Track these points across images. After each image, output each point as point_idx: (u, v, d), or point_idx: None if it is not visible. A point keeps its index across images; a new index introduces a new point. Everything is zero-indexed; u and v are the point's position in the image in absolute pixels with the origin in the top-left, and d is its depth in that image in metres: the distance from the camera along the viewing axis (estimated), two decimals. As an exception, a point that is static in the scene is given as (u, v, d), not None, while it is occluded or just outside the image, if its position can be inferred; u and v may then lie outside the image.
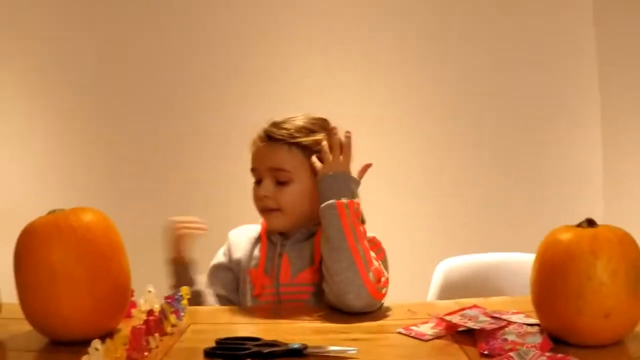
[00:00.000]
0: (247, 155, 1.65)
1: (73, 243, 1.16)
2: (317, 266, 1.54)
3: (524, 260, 1.82)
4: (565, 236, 1.11)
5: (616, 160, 2.92)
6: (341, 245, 1.42)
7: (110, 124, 3.09)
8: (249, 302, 1.62)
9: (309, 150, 1.58)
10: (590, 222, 1.13)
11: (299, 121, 1.62)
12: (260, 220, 1.70)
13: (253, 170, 1.63)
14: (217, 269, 1.71)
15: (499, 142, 2.98)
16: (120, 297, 1.25)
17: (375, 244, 1.54)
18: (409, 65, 2.96)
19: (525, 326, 1.15)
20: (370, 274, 1.41)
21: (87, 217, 1.22)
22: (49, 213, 1.22)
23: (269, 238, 1.66)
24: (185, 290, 1.40)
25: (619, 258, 1.06)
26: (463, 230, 2.89)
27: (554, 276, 1.09)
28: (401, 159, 2.92)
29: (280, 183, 1.57)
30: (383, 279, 1.44)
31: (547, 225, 1.20)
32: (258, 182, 1.61)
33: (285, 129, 1.59)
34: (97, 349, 0.99)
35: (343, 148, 1.53)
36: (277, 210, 1.58)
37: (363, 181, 1.56)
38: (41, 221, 1.19)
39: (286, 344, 1.11)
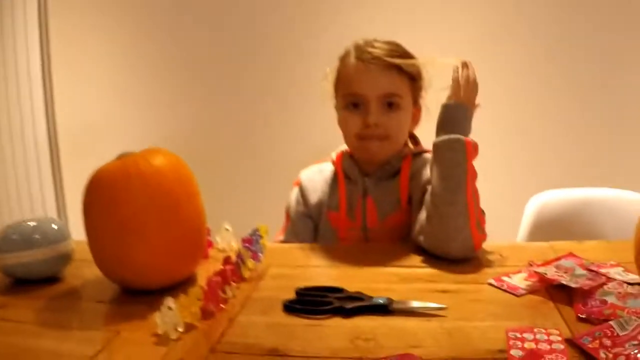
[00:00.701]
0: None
1: (143, 190, 1.10)
2: (406, 207, 1.46)
3: (623, 198, 1.71)
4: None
5: None
6: (459, 188, 1.29)
7: (188, 49, 3.06)
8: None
9: (412, 79, 1.49)
10: None
11: (394, 45, 1.50)
12: (333, 155, 1.62)
13: (351, 95, 1.49)
14: (296, 218, 1.62)
15: (601, 69, 2.77)
16: (194, 243, 1.19)
17: None
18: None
19: (625, 285, 1.05)
20: (478, 224, 1.31)
21: (157, 161, 1.15)
22: (118, 157, 1.16)
23: (347, 177, 1.57)
24: (263, 228, 1.34)
25: None
26: (557, 162, 2.74)
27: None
28: (492, 88, 2.69)
29: (390, 109, 1.47)
30: (485, 229, 1.34)
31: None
32: (354, 107, 1.49)
33: (390, 50, 1.48)
34: (170, 308, 0.94)
35: (472, 83, 1.40)
36: (385, 138, 1.48)
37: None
38: (109, 167, 1.13)
39: (370, 298, 1.05)
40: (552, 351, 0.84)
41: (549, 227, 1.75)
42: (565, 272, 1.10)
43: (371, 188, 1.52)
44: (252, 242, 1.27)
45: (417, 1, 2.78)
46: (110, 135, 3.09)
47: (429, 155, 1.43)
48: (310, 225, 1.60)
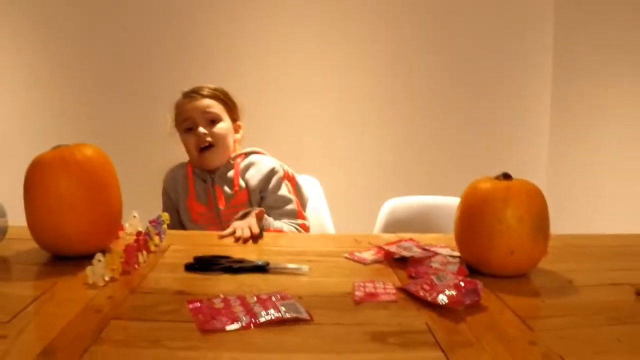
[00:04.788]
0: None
1: (77, 173, 1.38)
2: (242, 191, 1.99)
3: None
4: (484, 185, 1.35)
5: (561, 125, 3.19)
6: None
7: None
8: (187, 229, 2.02)
9: (225, 103, 2.07)
10: (506, 176, 1.37)
11: (214, 87, 2.10)
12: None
13: (185, 120, 2.04)
14: (167, 209, 2.09)
15: (454, 96, 3.15)
16: (113, 220, 1.48)
17: (290, 180, 2.09)
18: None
19: (448, 257, 1.40)
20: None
21: (88, 152, 1.43)
22: (54, 148, 1.44)
23: (195, 174, 2.05)
24: (165, 216, 1.63)
25: (526, 207, 1.30)
26: (410, 173, 3.03)
27: (472, 218, 1.35)
28: (353, 102, 2.90)
29: (213, 124, 2.01)
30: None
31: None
32: (189, 130, 2.03)
33: (206, 87, 2.08)
34: (99, 261, 1.23)
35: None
36: (213, 146, 2.00)
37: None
38: (49, 155, 1.40)
39: (252, 262, 1.37)
40: (385, 293, 1.18)
41: (399, 226, 2.12)
42: (404, 250, 1.45)
43: (217, 180, 2.02)
44: (157, 222, 1.57)
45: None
46: (24, 139, 3.23)
47: (254, 156, 2.10)
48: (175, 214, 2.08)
